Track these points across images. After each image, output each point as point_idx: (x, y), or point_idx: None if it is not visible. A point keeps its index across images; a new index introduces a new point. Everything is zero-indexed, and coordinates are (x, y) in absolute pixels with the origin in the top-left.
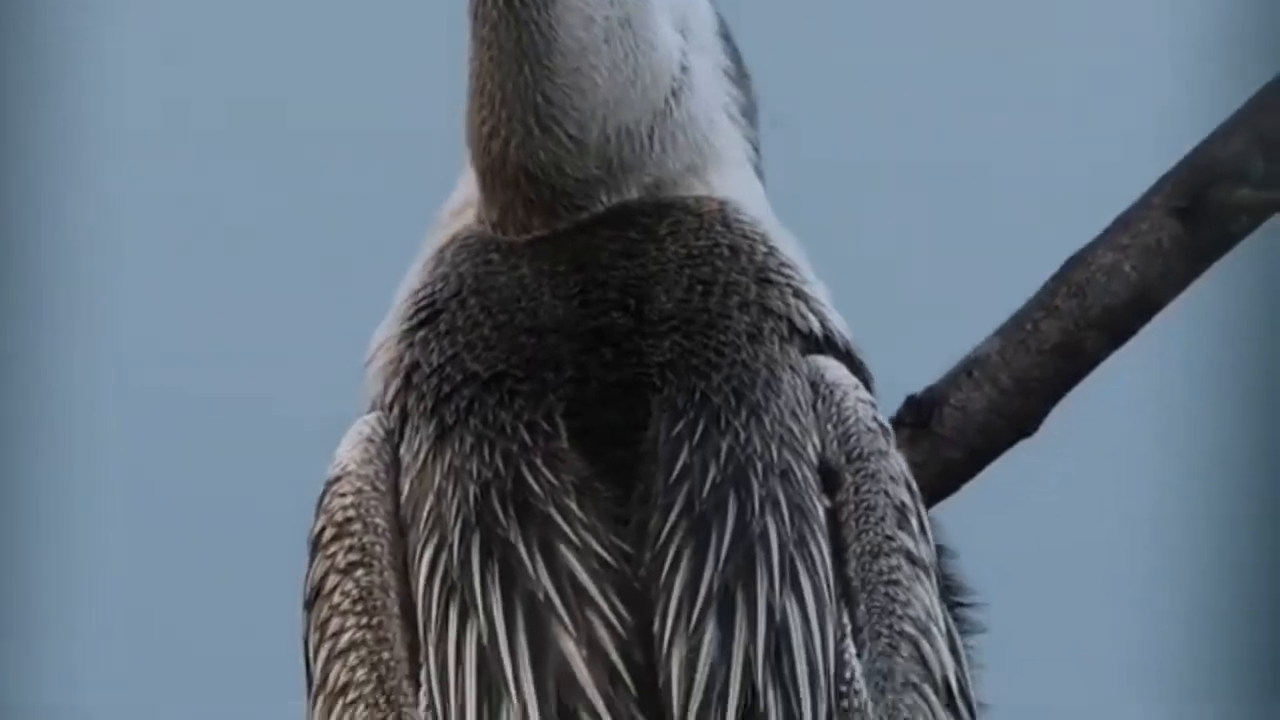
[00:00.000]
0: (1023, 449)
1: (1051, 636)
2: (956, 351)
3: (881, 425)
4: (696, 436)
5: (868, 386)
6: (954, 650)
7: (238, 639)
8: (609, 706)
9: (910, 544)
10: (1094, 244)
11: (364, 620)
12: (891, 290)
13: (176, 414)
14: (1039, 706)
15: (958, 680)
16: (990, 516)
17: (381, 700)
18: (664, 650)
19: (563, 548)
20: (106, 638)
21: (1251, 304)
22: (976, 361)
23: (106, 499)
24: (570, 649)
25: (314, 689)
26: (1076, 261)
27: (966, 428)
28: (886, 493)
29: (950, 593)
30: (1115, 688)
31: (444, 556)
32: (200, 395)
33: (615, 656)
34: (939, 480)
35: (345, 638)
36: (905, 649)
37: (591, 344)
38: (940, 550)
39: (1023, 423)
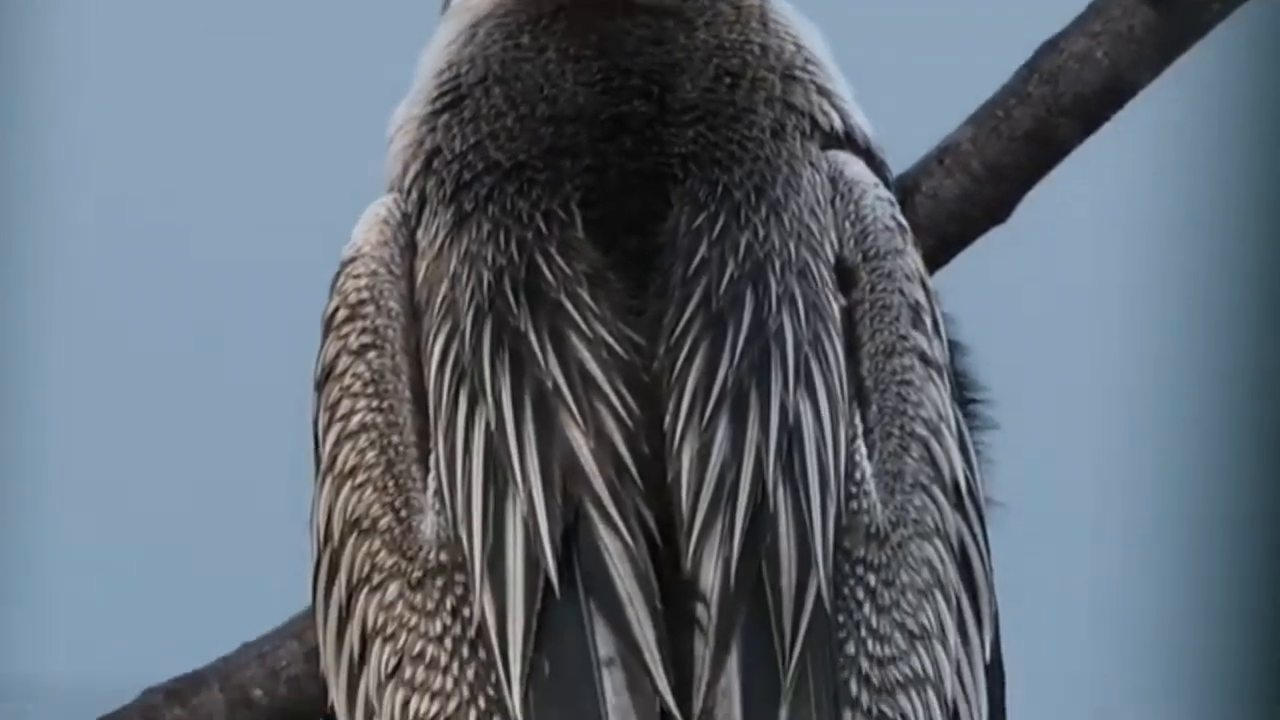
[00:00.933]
0: (994, 235)
1: (1018, 428)
2: (929, 139)
3: (899, 223)
4: (716, 230)
5: (887, 184)
6: (964, 451)
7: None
8: (614, 497)
9: (924, 343)
10: (1066, 31)
11: (374, 403)
12: (862, 75)
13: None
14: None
15: (966, 481)
16: (962, 302)
17: (390, 484)
18: (675, 445)
19: (573, 337)
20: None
21: (1224, 91)
22: (948, 149)
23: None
24: (577, 438)
25: (321, 470)
26: (1049, 48)
27: (938, 215)
28: (901, 291)
29: (962, 389)
30: (1088, 485)
31: (455, 343)
32: None
33: (622, 448)
34: None
35: (355, 420)
36: (915, 450)
37: (611, 132)
38: (953, 346)
39: (995, 210)
